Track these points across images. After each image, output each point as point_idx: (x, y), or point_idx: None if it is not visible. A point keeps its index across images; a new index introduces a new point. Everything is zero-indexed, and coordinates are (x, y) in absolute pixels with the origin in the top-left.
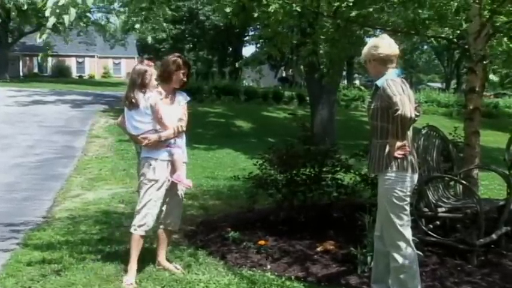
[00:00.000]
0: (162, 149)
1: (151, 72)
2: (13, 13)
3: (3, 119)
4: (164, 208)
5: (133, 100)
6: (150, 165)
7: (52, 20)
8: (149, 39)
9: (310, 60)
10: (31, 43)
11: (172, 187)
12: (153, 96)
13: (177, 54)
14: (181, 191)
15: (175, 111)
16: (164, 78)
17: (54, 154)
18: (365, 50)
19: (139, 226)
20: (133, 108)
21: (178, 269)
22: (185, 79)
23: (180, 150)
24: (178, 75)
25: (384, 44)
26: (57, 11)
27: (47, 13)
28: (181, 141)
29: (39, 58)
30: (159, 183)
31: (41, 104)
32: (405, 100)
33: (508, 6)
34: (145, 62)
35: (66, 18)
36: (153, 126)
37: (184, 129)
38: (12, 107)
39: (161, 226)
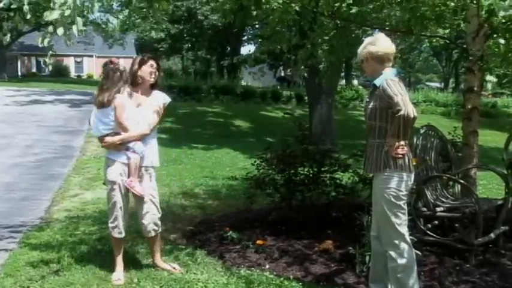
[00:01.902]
0: (122, 151)
1: (120, 73)
2: (17, 17)
3: (2, 118)
4: (138, 213)
5: (102, 101)
6: (108, 166)
7: (61, 31)
8: (153, 34)
9: (308, 63)
10: (29, 43)
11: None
12: (118, 98)
13: (142, 54)
14: (150, 196)
15: (143, 113)
16: (132, 80)
17: (53, 154)
18: (361, 49)
19: (112, 229)
20: (100, 109)
21: (176, 269)
22: (154, 70)
23: (137, 155)
24: (145, 71)
25: (382, 43)
26: (65, 21)
27: (48, 17)
28: (147, 144)
29: (44, 61)
30: (116, 185)
31: (39, 103)
32: (407, 100)
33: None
34: (118, 62)
35: (74, 28)
36: (114, 128)
37: (149, 132)
38: (10, 107)
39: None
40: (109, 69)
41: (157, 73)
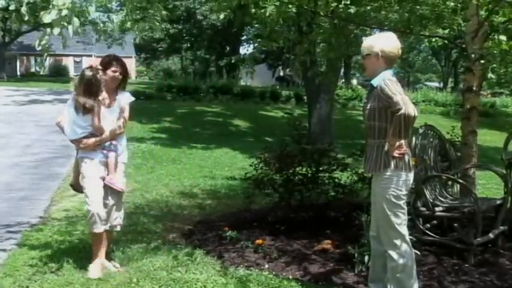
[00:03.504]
0: (98, 151)
1: (98, 76)
2: (13, 18)
3: (1, 118)
4: (109, 209)
5: (86, 105)
6: (86, 163)
7: (56, 31)
8: (137, 38)
9: (305, 59)
10: (28, 42)
11: (111, 188)
12: (97, 101)
13: (110, 54)
14: (121, 192)
15: (113, 113)
16: None
17: (52, 153)
18: (371, 42)
19: (92, 224)
20: (78, 112)
21: (116, 267)
22: (117, 76)
23: (114, 153)
24: (109, 74)
25: (396, 45)
26: (61, 22)
27: (46, 19)
28: (120, 142)
29: (41, 62)
30: (94, 181)
31: (38, 103)
32: (406, 99)
33: (505, 6)
34: (94, 65)
35: (70, 28)
36: (91, 131)
37: (122, 131)
38: (9, 107)
39: (108, 226)
40: (84, 75)
41: (120, 77)
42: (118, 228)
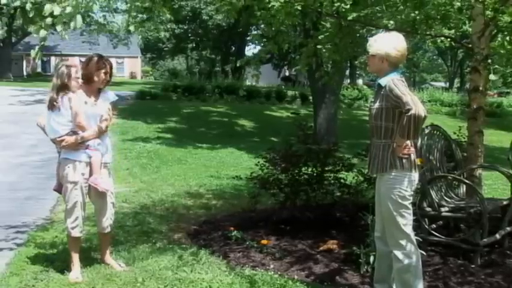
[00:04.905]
0: (81, 151)
1: (71, 72)
2: (18, 21)
3: (7, 118)
4: (97, 209)
5: (54, 102)
6: (69, 167)
7: (60, 28)
8: (139, 42)
9: (310, 61)
10: (35, 42)
11: (96, 189)
12: (73, 97)
13: (96, 53)
14: (109, 193)
15: (97, 112)
16: (86, 79)
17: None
18: (380, 44)
19: (72, 228)
20: (54, 110)
21: (121, 267)
22: (108, 78)
23: (98, 152)
24: (99, 75)
25: (403, 49)
26: (64, 19)
27: (47, 9)
28: (104, 142)
29: (35, 55)
30: (78, 184)
31: (44, 103)
32: (416, 99)
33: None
34: (69, 61)
35: (72, 24)
36: (71, 128)
37: (105, 129)
38: (15, 106)
39: (97, 228)
40: (58, 70)
41: (108, 78)
42: (108, 229)
